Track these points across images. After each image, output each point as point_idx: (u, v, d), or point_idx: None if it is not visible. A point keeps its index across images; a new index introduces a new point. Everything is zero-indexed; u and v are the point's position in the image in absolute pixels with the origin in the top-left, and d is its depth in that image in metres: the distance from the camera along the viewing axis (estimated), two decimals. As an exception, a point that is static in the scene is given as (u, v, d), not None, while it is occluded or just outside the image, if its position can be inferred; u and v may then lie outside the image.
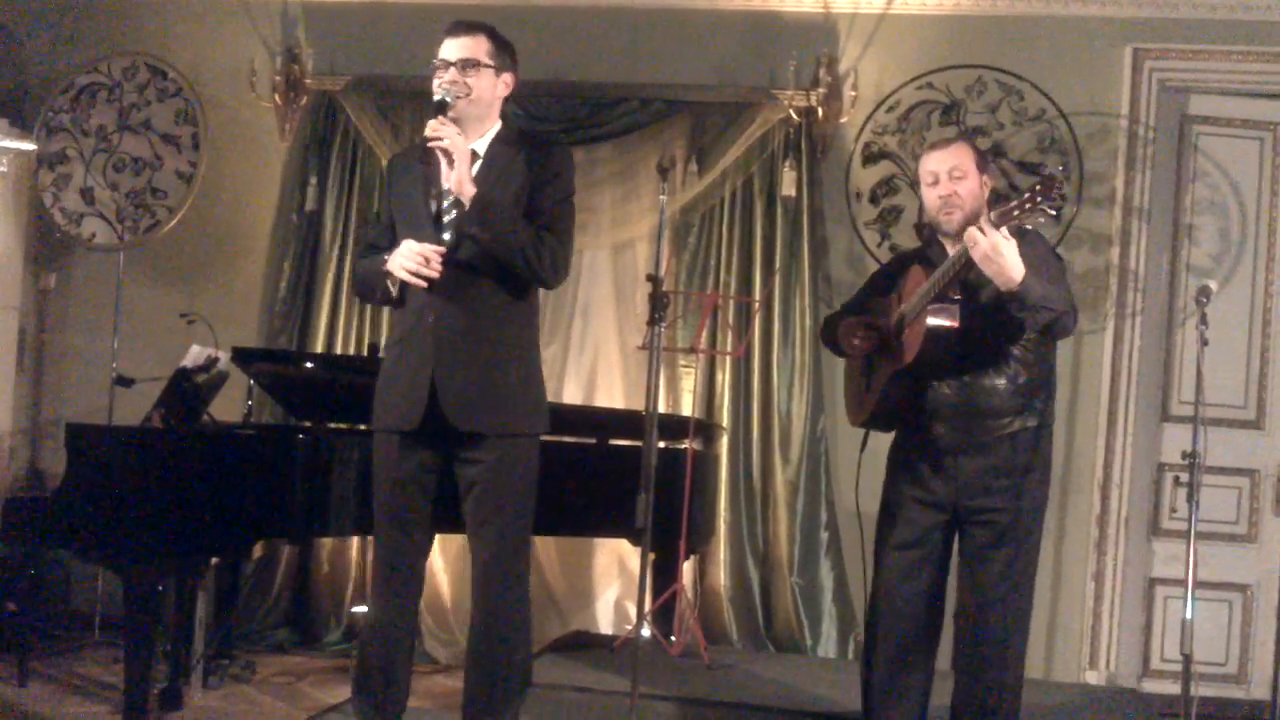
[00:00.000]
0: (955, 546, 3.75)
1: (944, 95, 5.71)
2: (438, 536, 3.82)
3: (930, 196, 3.71)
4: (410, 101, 5.93)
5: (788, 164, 5.71)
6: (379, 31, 6.05)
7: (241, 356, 4.78)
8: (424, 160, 3.51)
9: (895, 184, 5.73)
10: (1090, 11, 5.61)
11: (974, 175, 3.68)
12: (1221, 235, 5.64)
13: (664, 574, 5.14)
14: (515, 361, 3.57)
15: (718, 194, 5.81)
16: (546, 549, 5.80)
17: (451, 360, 3.49)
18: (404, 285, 3.52)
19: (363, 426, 4.88)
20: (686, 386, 5.79)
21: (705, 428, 5.51)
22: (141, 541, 4.00)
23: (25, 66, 6.36)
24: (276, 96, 6.09)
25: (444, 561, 5.78)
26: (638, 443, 4.69)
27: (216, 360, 4.69)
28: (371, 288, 3.65)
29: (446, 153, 3.45)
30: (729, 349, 5.70)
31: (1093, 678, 5.49)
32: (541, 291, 3.71)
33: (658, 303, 3.88)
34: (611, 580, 5.91)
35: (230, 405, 5.18)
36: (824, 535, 5.64)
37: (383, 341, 5.72)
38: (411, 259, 3.46)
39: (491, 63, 3.56)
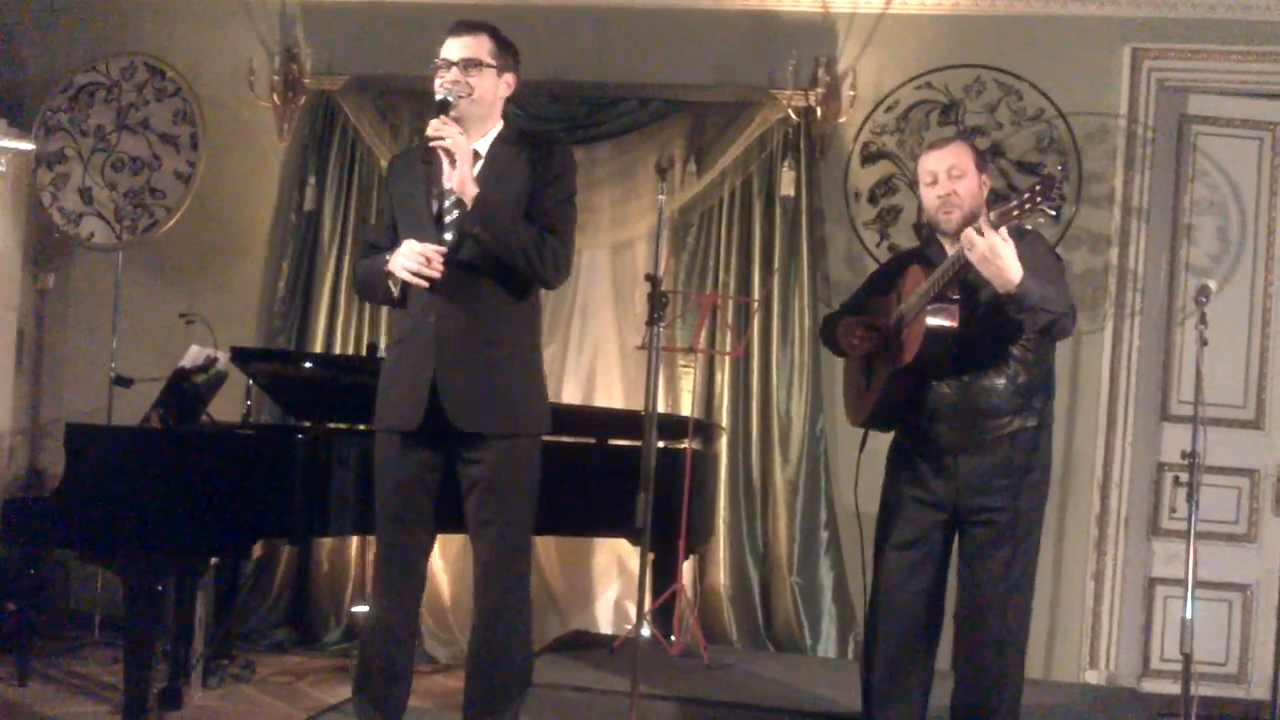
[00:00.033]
0: (955, 546, 3.75)
1: (943, 95, 5.71)
2: (438, 536, 3.81)
3: (929, 196, 3.71)
4: (408, 101, 5.93)
5: (786, 164, 5.71)
6: (377, 31, 6.05)
7: (240, 356, 4.78)
8: (426, 160, 3.50)
9: (894, 184, 5.73)
10: (1089, 11, 5.61)
11: (973, 174, 3.68)
12: (1220, 235, 5.64)
13: (664, 574, 5.14)
14: (517, 362, 3.57)
15: (716, 194, 5.81)
16: (546, 549, 5.80)
17: (453, 360, 3.49)
18: (405, 285, 3.52)
19: (362, 426, 4.89)
20: (686, 386, 5.79)
21: (704, 427, 5.51)
22: (141, 541, 4.00)
23: (24, 66, 6.36)
24: (275, 96, 6.09)
25: (444, 561, 5.78)
26: (637, 442, 4.69)
27: (215, 360, 4.69)
28: (373, 288, 3.65)
29: (448, 152, 3.44)
30: (728, 349, 5.70)
31: (1093, 677, 5.49)
32: (541, 291, 3.71)
33: (657, 302, 3.88)
34: (611, 580, 5.91)
35: (229, 405, 5.17)
36: (824, 535, 5.64)
37: (381, 341, 5.73)
38: (413, 259, 3.46)
39: (494, 63, 3.56)
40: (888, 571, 3.74)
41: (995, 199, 3.84)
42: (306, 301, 6.02)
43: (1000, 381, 3.61)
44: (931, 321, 3.53)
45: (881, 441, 3.86)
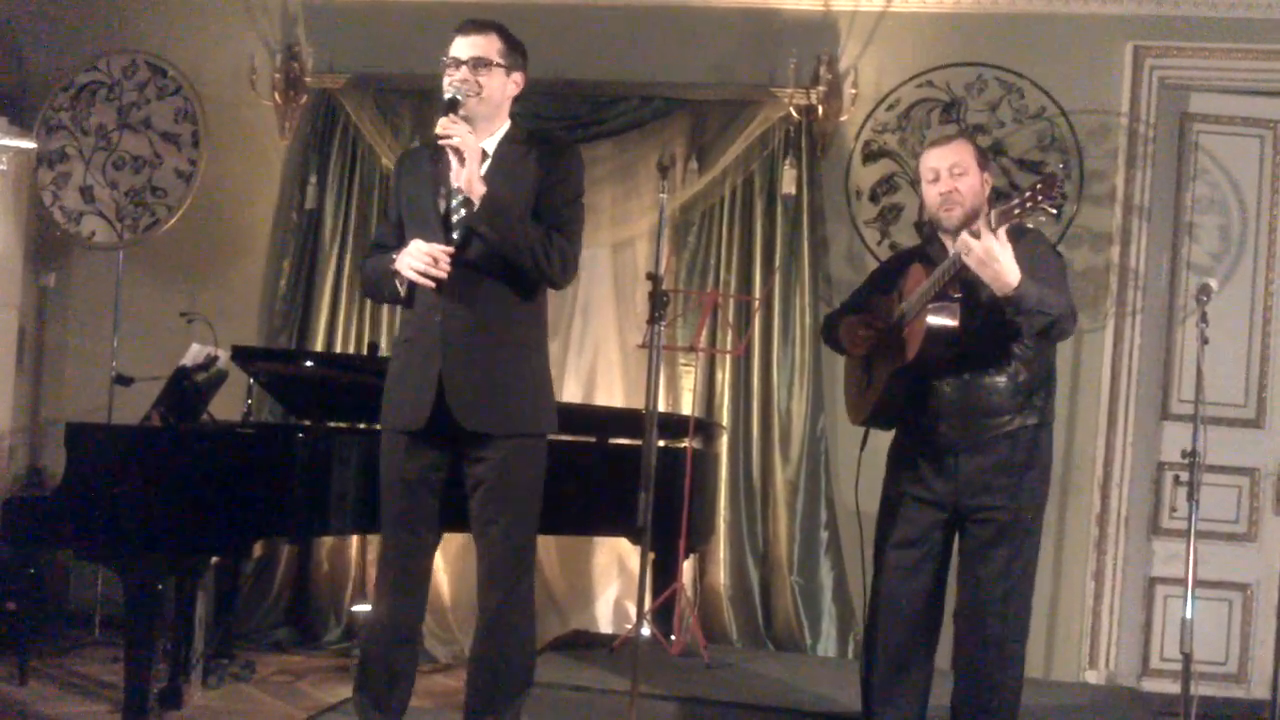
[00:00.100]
0: (955, 545, 3.75)
1: (944, 93, 5.70)
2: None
3: (930, 193, 3.71)
4: (410, 100, 5.93)
5: (788, 162, 5.71)
6: (379, 30, 6.04)
7: (241, 355, 4.78)
8: (434, 159, 3.50)
9: (895, 182, 5.73)
10: (1090, 9, 5.60)
11: (974, 172, 3.67)
12: (1222, 233, 5.63)
13: (664, 573, 5.14)
14: (523, 361, 3.57)
15: (718, 192, 5.81)
16: (546, 548, 5.79)
17: (459, 360, 3.49)
18: (412, 285, 3.52)
19: (363, 425, 4.89)
20: (686, 385, 5.78)
21: (705, 426, 5.51)
22: (141, 541, 3.99)
23: (25, 64, 6.36)
24: (276, 95, 6.09)
25: (444, 561, 5.77)
26: (637, 441, 4.69)
27: (216, 359, 4.68)
28: (380, 287, 3.65)
29: (456, 151, 3.44)
30: (729, 347, 5.70)
31: (1092, 677, 5.48)
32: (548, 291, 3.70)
33: (658, 301, 3.87)
34: (611, 579, 5.91)
35: (230, 404, 5.17)
36: (824, 534, 5.63)
37: (382, 340, 5.74)
38: (420, 259, 3.46)
39: (502, 62, 3.56)
40: (888, 571, 3.74)
41: (997, 197, 3.84)
42: (307, 300, 6.02)
43: (1001, 380, 3.61)
44: (932, 320, 3.53)
45: (882, 440, 3.86)
